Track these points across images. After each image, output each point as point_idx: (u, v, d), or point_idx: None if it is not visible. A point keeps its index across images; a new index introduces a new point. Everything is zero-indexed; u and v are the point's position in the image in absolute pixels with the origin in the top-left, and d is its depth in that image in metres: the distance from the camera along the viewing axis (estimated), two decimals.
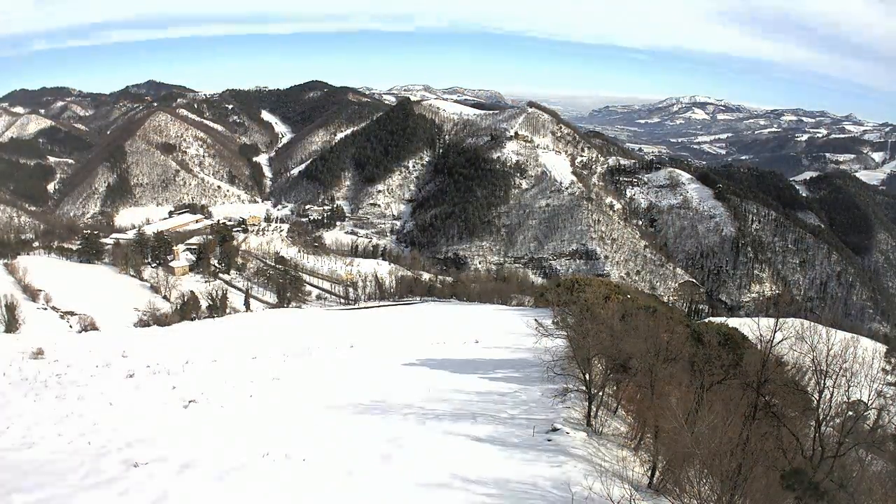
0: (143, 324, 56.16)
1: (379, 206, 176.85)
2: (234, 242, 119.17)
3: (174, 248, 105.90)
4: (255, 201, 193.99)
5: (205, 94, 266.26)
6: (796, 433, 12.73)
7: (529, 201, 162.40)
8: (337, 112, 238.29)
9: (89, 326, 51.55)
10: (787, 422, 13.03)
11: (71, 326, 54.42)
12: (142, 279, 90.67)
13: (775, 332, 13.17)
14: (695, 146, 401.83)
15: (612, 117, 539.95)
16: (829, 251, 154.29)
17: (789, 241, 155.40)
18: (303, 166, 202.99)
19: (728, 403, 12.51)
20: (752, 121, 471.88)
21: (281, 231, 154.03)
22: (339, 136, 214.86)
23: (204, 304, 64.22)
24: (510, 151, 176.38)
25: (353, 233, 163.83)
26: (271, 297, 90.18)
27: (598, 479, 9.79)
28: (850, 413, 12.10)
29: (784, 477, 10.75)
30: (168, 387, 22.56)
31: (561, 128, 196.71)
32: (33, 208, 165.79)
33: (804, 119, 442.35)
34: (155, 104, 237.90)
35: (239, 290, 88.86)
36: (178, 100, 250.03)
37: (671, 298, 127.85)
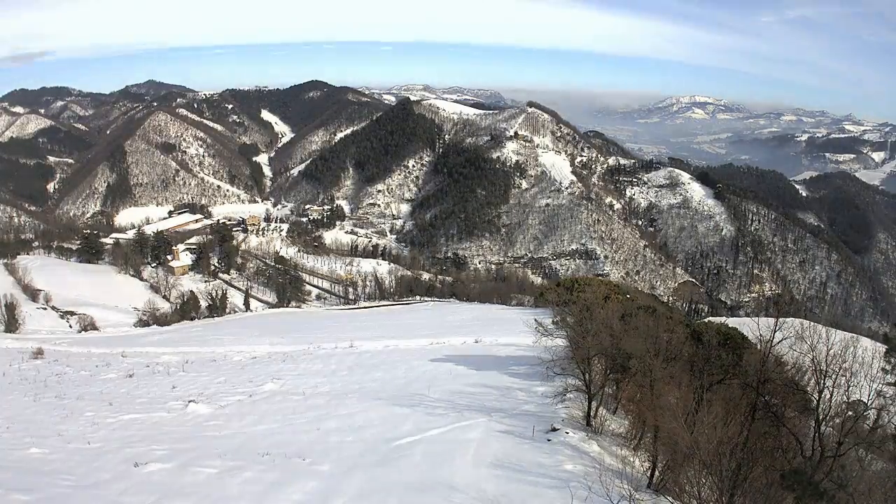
0: (142, 323, 56.29)
1: (379, 205, 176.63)
2: (234, 242, 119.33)
3: (174, 247, 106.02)
4: (255, 201, 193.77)
5: (204, 94, 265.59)
6: (796, 433, 12.73)
7: (529, 201, 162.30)
8: (337, 112, 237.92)
9: (89, 326, 51.64)
10: (786, 422, 13.02)
11: (71, 326, 54.47)
12: (142, 279, 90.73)
13: (775, 331, 13.18)
14: (695, 146, 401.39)
15: (612, 117, 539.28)
16: (829, 251, 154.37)
17: (789, 241, 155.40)
18: (303, 166, 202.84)
19: (728, 403, 12.51)
20: (752, 121, 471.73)
21: (281, 231, 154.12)
22: (339, 135, 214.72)
23: (204, 303, 64.31)
24: (510, 151, 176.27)
25: (352, 232, 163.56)
26: (271, 297, 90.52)
27: (598, 479, 9.79)
28: (850, 413, 12.08)
29: (784, 477, 10.77)
30: (168, 386, 22.61)
31: (561, 127, 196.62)
32: (33, 208, 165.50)
33: (804, 119, 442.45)
34: (155, 104, 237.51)
35: (239, 289, 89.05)
36: (178, 99, 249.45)
37: (671, 298, 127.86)
